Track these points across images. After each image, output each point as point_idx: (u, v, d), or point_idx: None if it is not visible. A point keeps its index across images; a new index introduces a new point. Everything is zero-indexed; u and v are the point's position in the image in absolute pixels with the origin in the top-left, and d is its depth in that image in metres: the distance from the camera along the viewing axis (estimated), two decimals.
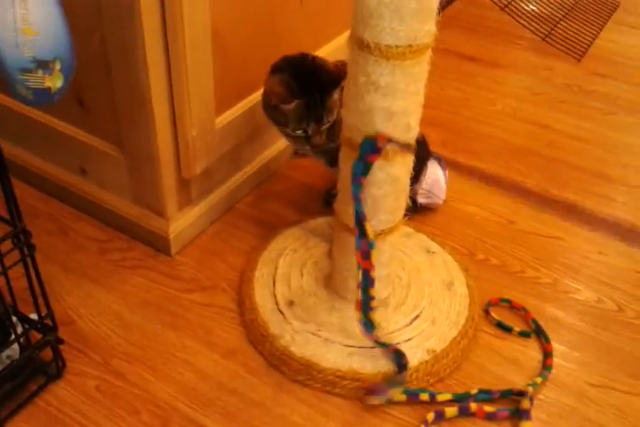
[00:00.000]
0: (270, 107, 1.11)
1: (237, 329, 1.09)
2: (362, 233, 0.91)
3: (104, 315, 1.11)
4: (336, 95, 1.07)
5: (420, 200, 1.29)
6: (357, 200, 0.90)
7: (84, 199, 1.27)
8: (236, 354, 1.05)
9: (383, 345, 0.99)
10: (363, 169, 0.88)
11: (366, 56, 0.80)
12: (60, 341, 0.99)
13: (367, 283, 0.94)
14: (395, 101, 0.83)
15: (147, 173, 1.13)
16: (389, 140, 0.86)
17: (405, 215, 1.02)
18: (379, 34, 0.78)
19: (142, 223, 1.21)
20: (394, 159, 0.90)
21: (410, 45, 0.79)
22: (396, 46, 0.78)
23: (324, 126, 1.10)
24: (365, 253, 0.92)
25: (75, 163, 1.26)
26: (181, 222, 1.21)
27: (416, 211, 1.16)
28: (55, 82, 0.71)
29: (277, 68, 1.10)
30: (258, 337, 1.06)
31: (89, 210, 1.28)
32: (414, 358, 1.01)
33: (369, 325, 0.97)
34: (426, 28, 0.79)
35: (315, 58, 1.10)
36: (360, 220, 0.91)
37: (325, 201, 1.32)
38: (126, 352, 1.05)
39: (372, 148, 0.87)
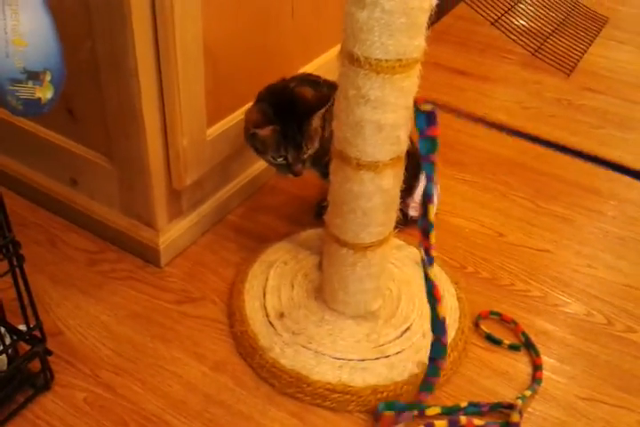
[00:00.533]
0: (249, 135, 1.12)
1: (227, 341, 1.09)
2: (425, 214, 0.88)
3: (93, 326, 1.10)
4: (315, 123, 1.08)
5: (412, 213, 1.29)
6: (430, 180, 0.86)
7: (73, 210, 1.27)
8: (226, 366, 1.05)
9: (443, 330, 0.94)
10: (429, 146, 0.84)
11: (356, 70, 0.81)
12: (49, 352, 0.98)
13: (428, 261, 0.91)
14: (384, 114, 0.84)
15: (137, 184, 1.13)
16: (427, 102, 0.84)
17: (396, 227, 1.02)
18: (369, 48, 0.78)
19: (132, 234, 1.20)
20: (384, 171, 0.90)
21: (399, 59, 0.79)
22: (386, 60, 0.79)
23: (305, 154, 1.10)
24: (425, 231, 0.89)
25: (64, 173, 1.26)
26: (171, 234, 1.20)
27: (407, 224, 1.16)
28: (45, 93, 0.71)
29: (260, 97, 1.13)
30: (247, 349, 1.05)
31: (79, 221, 1.28)
32: (404, 371, 1.01)
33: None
34: (415, 43, 0.80)
35: (295, 87, 1.12)
36: (426, 201, 0.87)
37: (317, 213, 1.32)
38: (115, 364, 1.04)
39: (426, 120, 0.83)
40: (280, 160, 1.10)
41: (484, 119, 0.89)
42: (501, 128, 0.79)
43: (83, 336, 1.09)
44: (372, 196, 0.92)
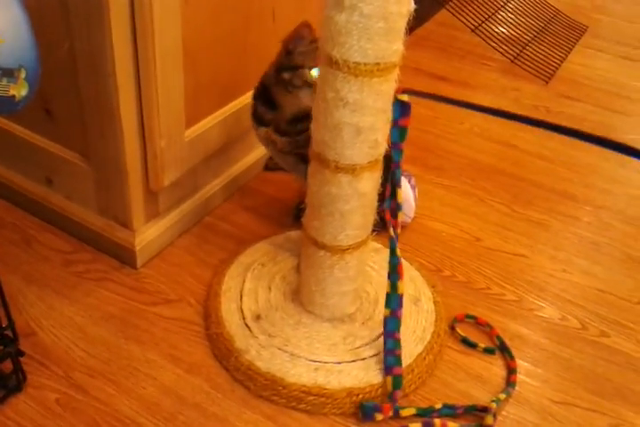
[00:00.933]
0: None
1: (202, 343, 1.08)
2: (393, 196, 0.98)
3: (66, 327, 1.09)
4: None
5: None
6: (398, 166, 0.95)
7: (49, 209, 1.25)
8: (201, 369, 1.04)
9: (397, 326, 1.01)
10: (400, 135, 0.93)
11: (335, 72, 0.81)
12: (21, 353, 0.97)
13: (395, 242, 0.98)
14: (362, 117, 0.84)
15: (113, 184, 1.12)
16: (404, 91, 0.88)
17: (374, 231, 1.03)
18: (347, 51, 0.79)
19: (108, 235, 1.19)
20: (362, 174, 0.90)
21: (377, 63, 0.80)
22: (364, 64, 0.79)
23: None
24: (393, 211, 0.98)
25: (40, 172, 1.24)
26: (148, 234, 1.20)
27: (384, 227, 1.17)
28: (20, 90, 0.70)
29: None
30: (223, 352, 1.05)
31: (54, 220, 1.26)
32: (380, 373, 1.01)
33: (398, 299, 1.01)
34: (394, 47, 0.80)
35: None
36: (394, 184, 0.97)
37: (295, 216, 1.32)
38: (88, 366, 1.03)
39: (401, 110, 0.89)
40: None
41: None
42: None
43: (56, 337, 1.07)
44: (350, 198, 0.93)
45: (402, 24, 0.79)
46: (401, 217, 1.30)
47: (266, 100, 1.15)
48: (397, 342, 1.01)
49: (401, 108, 0.89)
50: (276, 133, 1.16)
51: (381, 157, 0.93)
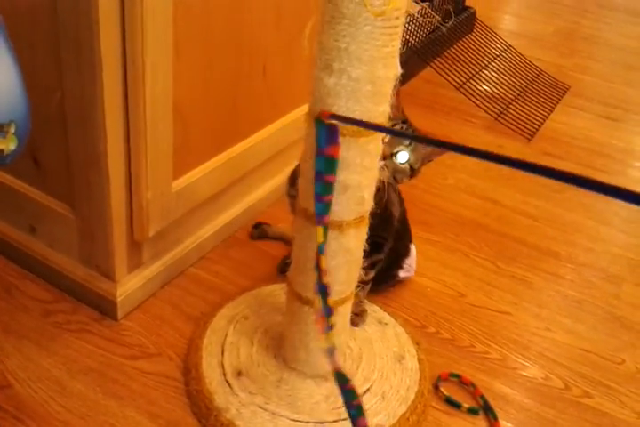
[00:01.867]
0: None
1: (182, 400, 1.05)
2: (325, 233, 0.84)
3: (44, 380, 1.06)
4: None
5: (401, 275, 1.31)
6: (317, 199, 0.81)
7: (31, 258, 1.24)
8: None
9: (344, 379, 0.93)
10: (325, 165, 0.80)
11: None
12: None
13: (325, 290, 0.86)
14: (349, 175, 0.85)
15: (97, 234, 1.11)
16: (331, 116, 0.79)
17: (357, 286, 1.02)
18: (335, 112, 0.80)
19: (89, 285, 1.18)
20: (348, 231, 0.91)
21: None
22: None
23: None
24: (320, 250, 0.84)
25: (24, 220, 1.23)
26: (130, 285, 1.18)
27: (368, 283, 1.17)
28: (9, 144, 0.70)
29: None
30: (202, 409, 1.02)
31: (35, 269, 1.25)
32: None
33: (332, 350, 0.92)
34: (380, 109, 0.82)
35: None
36: (320, 218, 0.83)
37: (280, 269, 1.32)
38: (65, 421, 1.00)
39: (327, 135, 0.78)
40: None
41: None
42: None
43: (32, 390, 1.04)
44: (336, 254, 0.93)
45: (389, 87, 0.81)
46: (409, 272, 1.33)
47: None
48: (352, 392, 0.95)
49: (327, 134, 0.79)
50: None
51: (367, 215, 0.93)
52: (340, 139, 0.82)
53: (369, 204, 0.92)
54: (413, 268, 1.34)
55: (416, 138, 0.87)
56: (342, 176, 0.85)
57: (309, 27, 0.82)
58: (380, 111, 0.82)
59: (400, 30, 0.78)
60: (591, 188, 0.50)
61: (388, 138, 1.00)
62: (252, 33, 1.20)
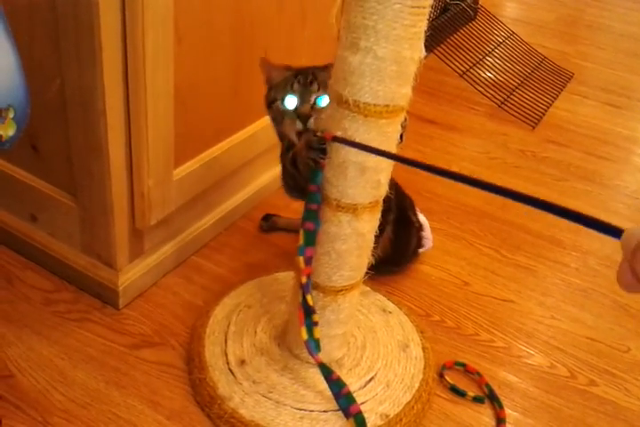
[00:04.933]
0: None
1: (184, 389, 1.05)
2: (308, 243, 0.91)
3: (45, 369, 1.05)
4: (322, 76, 1.02)
5: (420, 250, 1.34)
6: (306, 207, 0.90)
7: (32, 247, 1.23)
8: (182, 416, 1.01)
9: (327, 371, 0.95)
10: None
11: (344, 112, 0.81)
12: None
13: (307, 290, 0.92)
14: (368, 157, 0.84)
15: (98, 223, 1.10)
16: (333, 138, 0.84)
17: (366, 274, 1.01)
18: (358, 92, 0.79)
19: (91, 274, 1.17)
20: (362, 215, 0.89)
21: (387, 105, 0.80)
22: (374, 105, 0.80)
23: (313, 94, 1.02)
24: (308, 259, 0.91)
25: (25, 209, 1.22)
26: (132, 274, 1.17)
27: (377, 271, 1.15)
28: (7, 130, 0.69)
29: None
30: (205, 398, 1.01)
31: (37, 258, 1.24)
32: (367, 422, 0.98)
33: (314, 344, 0.95)
34: (403, 91, 0.81)
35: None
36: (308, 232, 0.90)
37: (261, 226, 1.38)
38: (66, 410, 1.00)
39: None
40: (288, 103, 1.03)
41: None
42: None
43: (34, 379, 1.04)
44: (348, 238, 0.91)
45: (412, 69, 0.80)
46: (427, 244, 1.35)
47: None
48: (338, 382, 0.96)
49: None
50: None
51: (382, 199, 0.92)
52: (362, 119, 0.81)
53: (384, 188, 0.91)
54: (430, 239, 1.34)
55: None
56: (360, 158, 0.84)
57: (337, 5, 0.81)
58: (403, 93, 0.81)
59: (427, 11, 0.76)
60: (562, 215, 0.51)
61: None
62: (253, 19, 1.18)
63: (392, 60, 0.77)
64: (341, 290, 0.97)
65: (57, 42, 0.95)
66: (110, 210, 1.07)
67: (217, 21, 1.09)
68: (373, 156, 0.83)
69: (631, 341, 1.26)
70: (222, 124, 1.25)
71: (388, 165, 0.88)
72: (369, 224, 0.92)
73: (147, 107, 0.98)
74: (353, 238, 0.91)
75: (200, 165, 1.20)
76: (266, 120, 1.36)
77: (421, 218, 1.35)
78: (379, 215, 0.94)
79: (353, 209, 0.88)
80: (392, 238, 1.24)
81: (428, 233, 1.36)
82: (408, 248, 1.31)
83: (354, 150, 0.83)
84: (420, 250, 1.35)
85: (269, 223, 1.41)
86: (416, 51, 0.78)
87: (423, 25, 0.77)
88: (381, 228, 1.13)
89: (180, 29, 1.00)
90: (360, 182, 0.86)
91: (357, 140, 0.82)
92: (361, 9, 0.74)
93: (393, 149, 0.87)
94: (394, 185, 1.20)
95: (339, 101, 0.81)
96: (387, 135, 0.83)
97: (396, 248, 1.26)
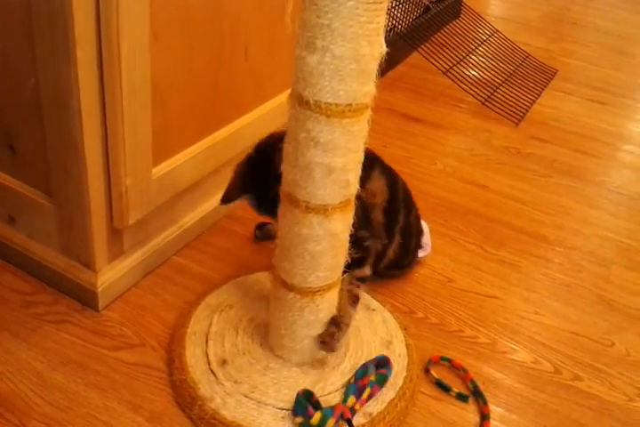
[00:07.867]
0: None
1: (165, 391, 1.03)
2: None
3: (23, 372, 1.04)
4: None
5: (420, 254, 1.33)
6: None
7: (10, 248, 1.21)
8: (162, 418, 0.99)
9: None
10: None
11: (306, 113, 0.80)
12: None
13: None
14: (334, 158, 0.83)
15: (76, 223, 1.09)
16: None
17: (344, 272, 1.00)
18: (319, 92, 0.78)
19: (69, 275, 1.15)
20: (333, 215, 0.89)
21: (349, 104, 0.79)
22: (336, 104, 0.78)
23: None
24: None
25: (3, 210, 1.20)
26: (111, 275, 1.16)
27: (356, 268, 1.14)
28: None
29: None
30: (186, 399, 1.00)
31: (15, 260, 1.22)
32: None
33: None
34: (365, 89, 0.79)
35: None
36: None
37: (255, 235, 1.36)
38: (45, 414, 0.98)
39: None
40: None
41: None
42: None
43: (12, 383, 1.02)
44: (321, 239, 0.91)
45: (373, 66, 0.79)
46: (426, 250, 1.35)
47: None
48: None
49: None
50: None
51: (353, 198, 0.91)
52: (324, 120, 0.80)
53: (354, 187, 0.90)
54: (429, 245, 1.34)
55: None
56: (326, 159, 0.83)
57: (291, 3, 0.79)
58: (365, 91, 0.80)
59: (385, 6, 0.75)
60: None
61: None
62: (233, 14, 1.17)
63: (351, 59, 0.75)
64: (319, 291, 0.96)
65: (31, 40, 0.93)
66: (88, 210, 1.06)
67: (195, 17, 1.08)
68: (339, 156, 0.82)
69: (615, 335, 1.26)
70: (203, 122, 1.23)
71: (355, 164, 0.87)
72: (341, 224, 0.91)
73: (122, 105, 0.97)
74: (326, 239, 0.90)
75: (180, 164, 1.19)
76: (249, 116, 1.36)
77: (422, 223, 1.35)
78: (352, 215, 0.93)
79: (323, 210, 0.87)
80: (400, 243, 1.23)
81: (427, 239, 1.35)
82: (411, 252, 1.30)
83: (319, 152, 0.82)
84: (420, 255, 1.33)
85: (264, 232, 1.38)
86: (376, 47, 0.77)
87: (381, 20, 0.76)
88: (391, 238, 1.18)
89: (156, 26, 0.99)
90: (328, 183, 0.85)
91: (322, 140, 0.81)
92: (315, 7, 0.73)
93: (359, 148, 0.86)
94: (407, 196, 1.25)
95: (300, 102, 0.80)
96: (352, 134, 0.82)
97: (401, 253, 1.25)
